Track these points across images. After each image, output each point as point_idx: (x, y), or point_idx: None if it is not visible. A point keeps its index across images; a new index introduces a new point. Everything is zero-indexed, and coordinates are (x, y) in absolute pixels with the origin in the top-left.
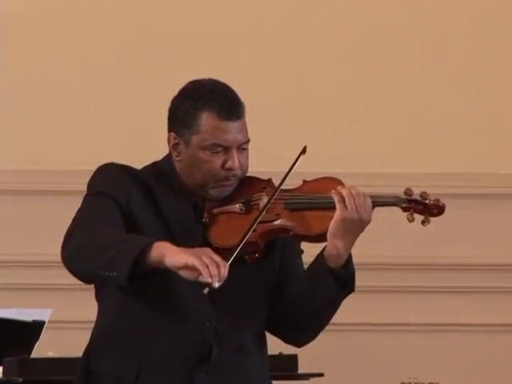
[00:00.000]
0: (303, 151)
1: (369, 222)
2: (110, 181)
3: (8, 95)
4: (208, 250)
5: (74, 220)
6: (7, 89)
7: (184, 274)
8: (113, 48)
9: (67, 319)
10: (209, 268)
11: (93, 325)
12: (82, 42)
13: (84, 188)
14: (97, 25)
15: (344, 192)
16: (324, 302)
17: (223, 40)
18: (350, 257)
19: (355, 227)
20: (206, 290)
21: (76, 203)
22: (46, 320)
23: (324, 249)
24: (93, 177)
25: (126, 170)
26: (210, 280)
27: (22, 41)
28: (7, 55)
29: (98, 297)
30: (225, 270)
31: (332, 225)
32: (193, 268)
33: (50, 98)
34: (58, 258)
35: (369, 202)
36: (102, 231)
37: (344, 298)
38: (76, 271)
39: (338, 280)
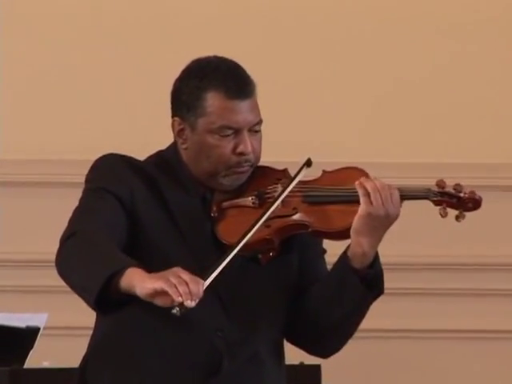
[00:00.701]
0: (307, 164)
1: (397, 218)
2: (110, 175)
3: (8, 85)
4: (178, 270)
5: (71, 221)
6: (7, 78)
7: (158, 302)
8: (113, 35)
9: (64, 325)
10: (177, 287)
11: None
12: (80, 30)
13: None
14: (95, 12)
15: (368, 185)
16: (350, 306)
17: (234, 24)
18: (376, 255)
19: (382, 223)
20: (175, 310)
21: (77, 195)
22: (41, 326)
23: (348, 247)
24: (91, 170)
25: (127, 161)
26: (179, 299)
27: (22, 30)
28: (7, 45)
29: None
30: (197, 286)
31: (356, 221)
32: (162, 292)
33: (51, 87)
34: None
35: (396, 195)
36: (93, 243)
37: (372, 301)
38: (66, 282)
39: (365, 282)
